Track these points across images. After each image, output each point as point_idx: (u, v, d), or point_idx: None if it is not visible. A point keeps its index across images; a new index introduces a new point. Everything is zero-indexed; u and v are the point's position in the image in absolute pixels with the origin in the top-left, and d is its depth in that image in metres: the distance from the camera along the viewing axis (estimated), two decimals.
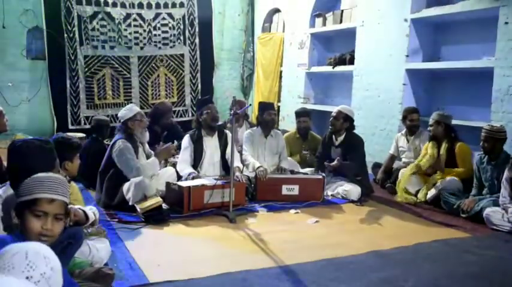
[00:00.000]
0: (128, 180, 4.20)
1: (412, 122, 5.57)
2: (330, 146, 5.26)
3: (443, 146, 5.00)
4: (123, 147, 4.25)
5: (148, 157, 4.57)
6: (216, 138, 5.00)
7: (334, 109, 5.32)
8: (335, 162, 5.00)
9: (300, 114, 5.97)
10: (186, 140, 4.97)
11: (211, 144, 4.98)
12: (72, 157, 3.00)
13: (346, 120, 5.13)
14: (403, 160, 5.69)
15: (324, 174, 5.06)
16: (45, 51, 7.88)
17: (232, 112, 4.28)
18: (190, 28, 8.85)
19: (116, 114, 7.78)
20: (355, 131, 5.26)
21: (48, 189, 1.88)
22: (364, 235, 3.88)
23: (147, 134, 4.60)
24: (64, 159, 2.90)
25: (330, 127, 5.23)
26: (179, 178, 4.77)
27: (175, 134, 5.80)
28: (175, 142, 4.85)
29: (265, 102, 5.81)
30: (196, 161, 4.92)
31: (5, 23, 7.75)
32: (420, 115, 5.66)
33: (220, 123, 4.97)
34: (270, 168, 5.20)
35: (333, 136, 5.25)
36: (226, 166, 4.92)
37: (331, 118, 5.19)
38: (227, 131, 5.04)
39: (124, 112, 4.47)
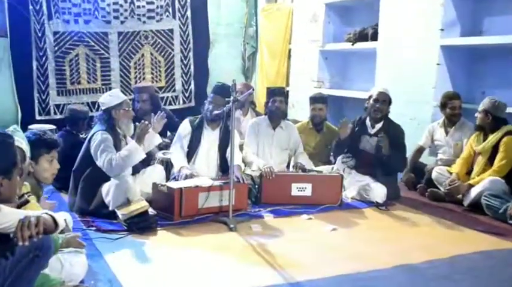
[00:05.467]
0: (108, 180, 4.20)
1: (453, 110, 5.52)
2: (361, 134, 5.23)
3: (490, 139, 4.96)
4: (102, 139, 4.25)
5: None
6: (218, 132, 4.99)
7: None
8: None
9: (316, 100, 5.87)
10: (184, 125, 5.02)
11: (210, 137, 4.99)
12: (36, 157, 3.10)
13: (390, 104, 5.28)
14: (440, 156, 5.67)
15: (341, 173, 5.04)
16: (7, 26, 7.86)
17: (231, 99, 4.22)
18: None
19: (92, 102, 7.86)
20: None
21: None
22: (391, 246, 3.89)
23: (131, 127, 4.59)
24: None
25: (375, 113, 5.21)
26: (168, 178, 4.77)
27: (169, 123, 5.70)
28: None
29: (271, 88, 5.78)
30: (189, 155, 4.92)
31: None
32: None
33: (218, 112, 4.85)
34: (278, 166, 5.17)
35: (369, 122, 5.23)
36: (224, 167, 4.90)
37: (379, 103, 5.18)
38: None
39: (108, 98, 4.46)
